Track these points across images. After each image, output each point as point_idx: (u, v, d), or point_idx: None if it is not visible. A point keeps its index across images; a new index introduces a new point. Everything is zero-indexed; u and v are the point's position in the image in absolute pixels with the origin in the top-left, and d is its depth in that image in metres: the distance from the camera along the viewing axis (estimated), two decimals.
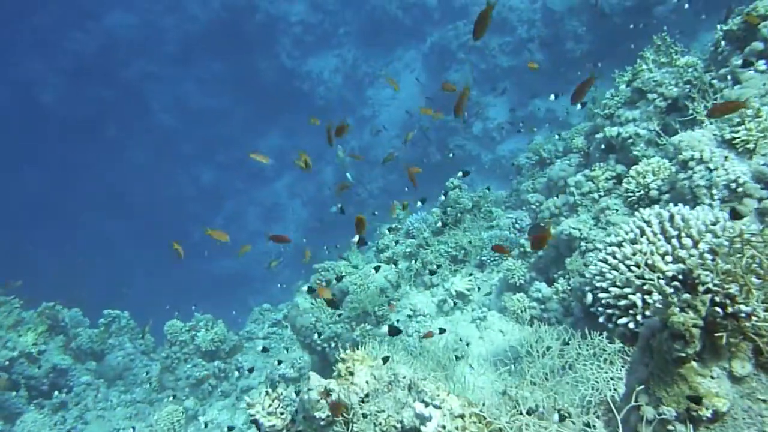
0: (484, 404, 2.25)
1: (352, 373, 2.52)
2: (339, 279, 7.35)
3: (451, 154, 19.83)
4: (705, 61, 5.54)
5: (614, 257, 2.53)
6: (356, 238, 4.13)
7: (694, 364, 2.02)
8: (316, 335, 7.15)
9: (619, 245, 2.51)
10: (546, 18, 19.20)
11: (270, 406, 2.42)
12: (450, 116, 21.69)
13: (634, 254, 2.46)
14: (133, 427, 7.15)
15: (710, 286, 2.00)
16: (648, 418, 2.05)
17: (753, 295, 1.97)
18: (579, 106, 4.55)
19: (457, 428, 2.26)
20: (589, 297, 2.47)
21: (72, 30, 29.16)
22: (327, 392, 2.40)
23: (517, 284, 5.97)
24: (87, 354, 9.35)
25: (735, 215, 2.39)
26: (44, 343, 8.60)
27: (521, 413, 3.20)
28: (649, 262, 2.41)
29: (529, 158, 9.35)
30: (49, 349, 8.55)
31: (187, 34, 28.75)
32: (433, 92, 23.25)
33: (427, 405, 2.32)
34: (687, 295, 1.98)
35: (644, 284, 2.36)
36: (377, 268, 7.13)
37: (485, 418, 2.29)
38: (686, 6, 12.38)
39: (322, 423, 2.36)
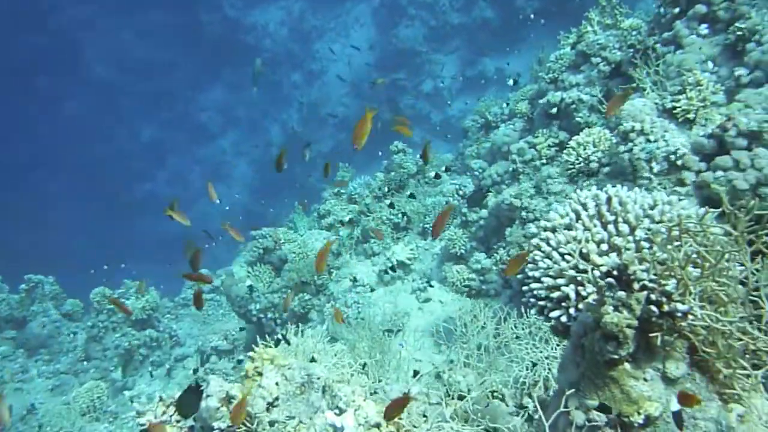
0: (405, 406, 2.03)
1: (260, 374, 2.27)
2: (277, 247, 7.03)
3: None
4: (649, 23, 5.37)
5: (548, 244, 2.33)
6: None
7: (626, 365, 1.86)
8: (252, 305, 6.87)
9: (554, 230, 2.33)
10: None
11: (164, 414, 2.15)
12: (400, 75, 21.24)
13: (568, 242, 2.27)
14: (32, 404, 6.74)
15: (646, 282, 1.82)
16: (578, 423, 1.89)
17: (690, 292, 1.80)
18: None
19: None
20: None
21: None
22: (228, 399, 2.13)
23: (458, 254, 5.82)
24: (6, 321, 8.79)
25: None
26: None
27: (453, 401, 3.05)
28: (584, 251, 2.22)
29: (475, 121, 9.12)
30: None
31: None
32: (381, 49, 22.65)
33: (340, 412, 2.09)
34: (621, 293, 1.80)
35: (578, 275, 2.19)
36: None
37: (404, 427, 2.08)
38: None
39: None
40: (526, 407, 3.25)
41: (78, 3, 26.64)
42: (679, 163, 3.50)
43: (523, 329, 3.61)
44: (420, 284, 5.93)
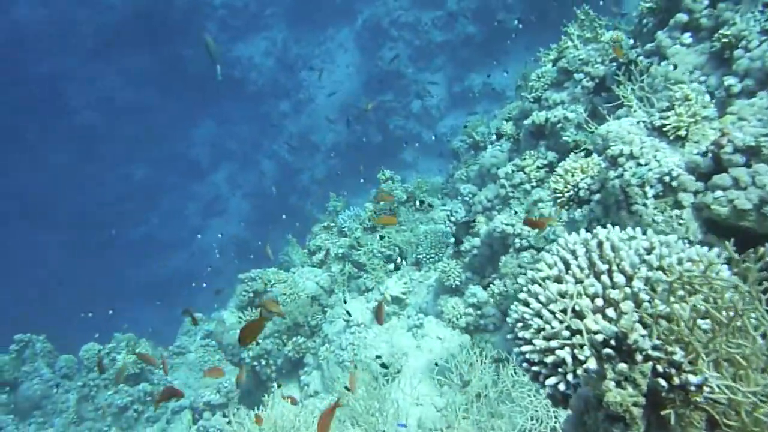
0: None
1: None
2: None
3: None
4: (630, 34, 5.19)
5: (537, 300, 2.08)
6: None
7: None
8: (244, 353, 6.59)
9: (542, 283, 2.09)
10: None
11: None
12: (388, 97, 21.16)
13: (558, 297, 2.03)
14: None
15: (650, 352, 1.57)
16: None
17: (702, 361, 1.56)
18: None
19: None
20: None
21: None
22: None
23: (453, 286, 5.57)
24: None
25: None
26: None
27: None
28: (576, 308, 1.97)
29: (464, 141, 8.93)
30: None
31: (104, 27, 26.76)
32: (368, 71, 22.61)
33: None
34: (623, 366, 1.55)
35: (572, 335, 1.95)
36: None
37: None
38: None
39: None
40: None
41: (58, 52, 26.71)
42: (674, 184, 3.27)
43: (523, 375, 3.35)
44: (416, 320, 5.66)
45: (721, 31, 3.85)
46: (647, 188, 3.22)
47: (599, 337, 1.64)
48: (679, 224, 3.34)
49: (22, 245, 24.82)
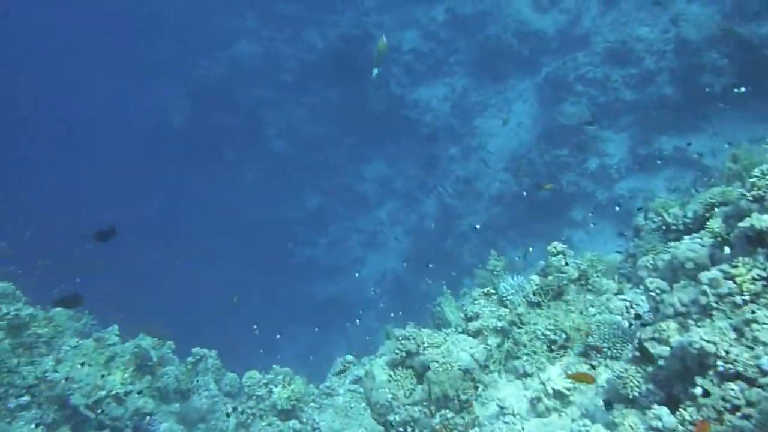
0: None
1: None
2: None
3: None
4: None
5: None
6: None
7: None
8: (391, 416, 6.48)
9: None
10: (679, 48, 17.31)
11: None
12: (562, 150, 20.28)
13: None
14: None
15: None
16: None
17: None
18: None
19: None
20: None
21: (201, 57, 31.13)
22: None
23: (630, 397, 4.90)
24: (173, 393, 9.35)
25: None
26: (131, 383, 8.67)
27: None
28: None
29: (651, 219, 8.04)
30: (134, 389, 8.60)
31: (304, 63, 29.70)
32: (544, 124, 21.95)
33: None
34: None
35: None
36: None
37: None
38: None
39: None
40: None
41: (263, 84, 30.07)
42: None
43: None
44: (581, 426, 5.06)
45: None
46: None
47: None
48: None
49: (206, 251, 27.87)
